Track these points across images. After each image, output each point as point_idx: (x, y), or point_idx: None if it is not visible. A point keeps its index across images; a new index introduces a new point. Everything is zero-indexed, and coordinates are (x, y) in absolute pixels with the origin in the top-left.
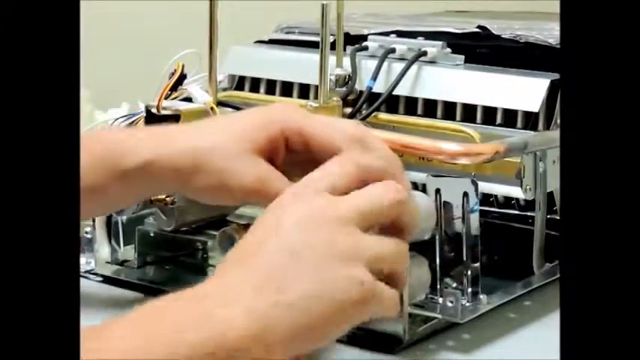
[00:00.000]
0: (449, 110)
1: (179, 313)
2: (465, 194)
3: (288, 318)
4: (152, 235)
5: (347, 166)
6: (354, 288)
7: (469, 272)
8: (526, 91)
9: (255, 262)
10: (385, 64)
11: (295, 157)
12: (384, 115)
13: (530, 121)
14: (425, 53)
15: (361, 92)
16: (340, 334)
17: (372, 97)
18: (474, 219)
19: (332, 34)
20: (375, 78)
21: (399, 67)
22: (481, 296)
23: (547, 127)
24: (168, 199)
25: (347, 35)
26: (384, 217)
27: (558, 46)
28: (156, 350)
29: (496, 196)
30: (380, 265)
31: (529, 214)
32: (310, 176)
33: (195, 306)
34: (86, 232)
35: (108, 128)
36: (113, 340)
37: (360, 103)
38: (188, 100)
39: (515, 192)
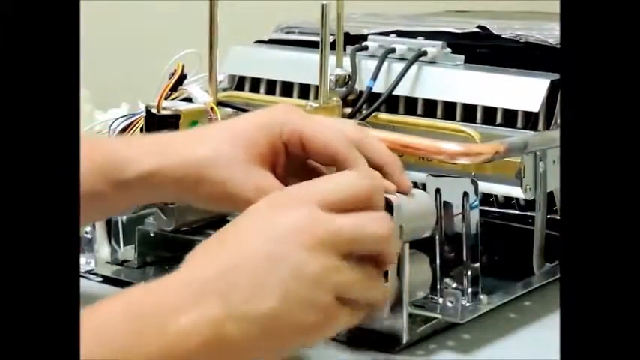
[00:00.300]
0: (449, 110)
1: (138, 320)
2: (465, 194)
3: (246, 332)
4: (152, 235)
5: (347, 182)
6: (313, 313)
7: (469, 272)
8: (526, 91)
9: (226, 264)
10: (385, 64)
11: (294, 161)
12: (384, 115)
13: (530, 121)
14: (425, 53)
15: (361, 92)
16: (297, 348)
17: (372, 97)
18: (474, 219)
19: (332, 34)
20: (375, 78)
21: (399, 67)
22: (481, 296)
23: (547, 127)
24: None
25: (347, 35)
26: (365, 249)
27: (558, 46)
28: None
29: (496, 196)
30: (348, 294)
31: (529, 214)
32: (307, 184)
33: (154, 312)
34: (86, 232)
35: (107, 129)
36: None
37: (360, 103)
38: (188, 100)
39: (515, 192)
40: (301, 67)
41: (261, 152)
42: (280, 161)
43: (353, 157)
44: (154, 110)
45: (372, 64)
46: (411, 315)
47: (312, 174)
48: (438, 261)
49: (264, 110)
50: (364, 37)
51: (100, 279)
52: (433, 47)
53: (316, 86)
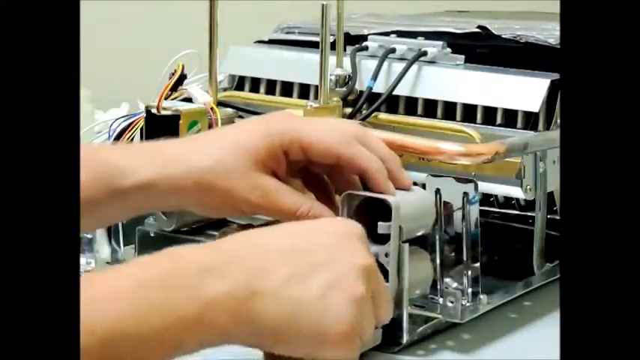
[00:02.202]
0: (449, 110)
1: (168, 289)
2: (465, 194)
3: (274, 311)
4: (152, 235)
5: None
6: (338, 324)
7: (469, 272)
8: (526, 91)
9: (272, 246)
10: (385, 64)
11: (295, 164)
12: (384, 115)
13: (530, 121)
14: (425, 53)
15: (361, 92)
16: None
17: (372, 97)
18: (474, 219)
19: (332, 34)
20: (375, 78)
21: (399, 67)
22: (481, 296)
23: (547, 127)
24: None
25: (347, 35)
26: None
27: (558, 46)
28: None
29: (496, 196)
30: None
31: (529, 214)
32: None
33: (185, 280)
34: (86, 233)
35: (107, 129)
36: (109, 289)
37: (360, 103)
38: (188, 100)
39: (516, 192)
40: (301, 67)
41: (262, 159)
42: (281, 167)
43: (359, 155)
44: (154, 110)
45: (372, 64)
46: (411, 315)
47: (313, 175)
48: (438, 261)
49: (261, 119)
50: (364, 37)
51: None
52: (433, 47)
53: (316, 86)
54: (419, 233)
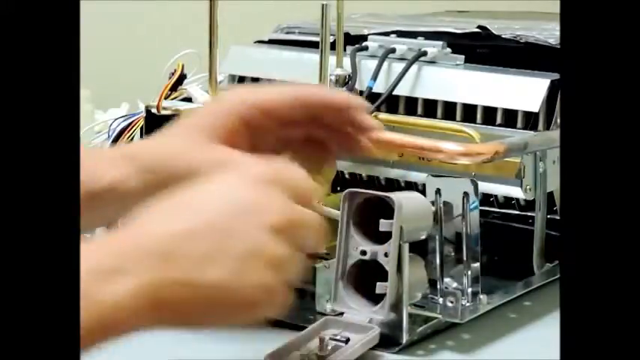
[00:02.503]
0: (449, 110)
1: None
2: (465, 194)
3: (188, 298)
4: None
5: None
6: (260, 292)
7: (469, 272)
8: (526, 91)
9: (180, 229)
10: (385, 64)
11: (264, 132)
12: (384, 115)
13: (530, 121)
14: (425, 53)
15: (361, 92)
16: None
17: (372, 97)
18: (474, 219)
19: (332, 34)
20: (375, 78)
21: (399, 67)
22: (481, 296)
23: (547, 127)
24: None
25: (347, 35)
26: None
27: (558, 46)
28: None
29: (496, 196)
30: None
31: (529, 214)
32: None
33: (90, 283)
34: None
35: (107, 129)
36: None
37: None
38: (188, 100)
39: (515, 192)
40: (301, 67)
41: (220, 138)
42: (243, 139)
43: (321, 92)
44: (153, 110)
45: (372, 64)
46: (411, 315)
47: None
48: (438, 261)
49: (213, 100)
50: (364, 37)
51: None
52: (433, 47)
53: None
54: (418, 236)
